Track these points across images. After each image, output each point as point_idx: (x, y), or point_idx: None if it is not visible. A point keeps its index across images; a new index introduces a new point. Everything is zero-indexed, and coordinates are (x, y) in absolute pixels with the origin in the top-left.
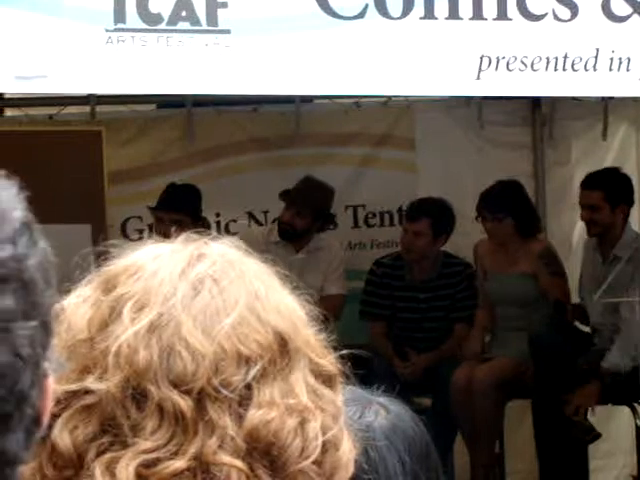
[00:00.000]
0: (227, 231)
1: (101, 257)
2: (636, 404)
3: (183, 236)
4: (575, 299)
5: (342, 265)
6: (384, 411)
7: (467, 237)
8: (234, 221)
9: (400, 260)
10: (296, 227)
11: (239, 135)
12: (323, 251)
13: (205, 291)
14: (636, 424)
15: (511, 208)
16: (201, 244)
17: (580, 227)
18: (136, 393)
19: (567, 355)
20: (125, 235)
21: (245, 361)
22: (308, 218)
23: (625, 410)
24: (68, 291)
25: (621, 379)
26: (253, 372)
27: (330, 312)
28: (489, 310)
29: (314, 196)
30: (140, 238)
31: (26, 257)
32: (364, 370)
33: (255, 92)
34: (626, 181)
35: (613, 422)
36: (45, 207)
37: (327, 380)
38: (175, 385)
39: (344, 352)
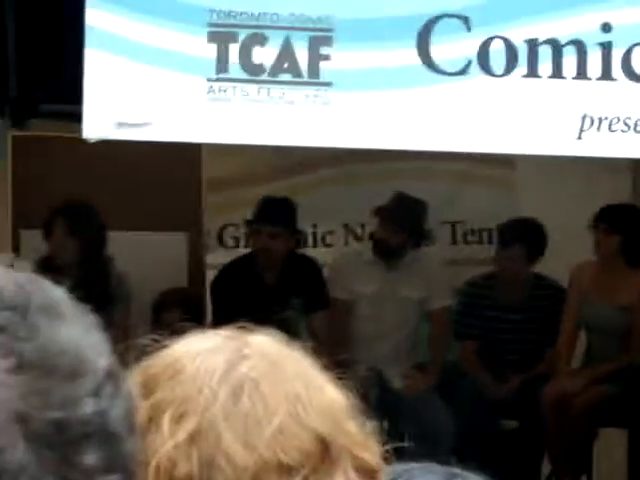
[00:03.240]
0: (324, 243)
1: (140, 351)
2: None
3: (226, 331)
4: None
5: (443, 276)
6: None
7: (563, 257)
8: (330, 233)
9: (492, 280)
10: (391, 244)
11: (336, 148)
12: (419, 264)
13: (245, 397)
14: None
15: (623, 227)
16: (242, 342)
17: None
18: None
19: None
20: (222, 243)
21: (287, 470)
22: (402, 235)
23: None
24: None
25: None
26: None
27: (437, 328)
28: (575, 335)
29: (407, 212)
30: (236, 246)
31: (110, 409)
32: (451, 388)
33: (354, 146)
34: None
35: None
36: (141, 214)
37: (369, 474)
38: None
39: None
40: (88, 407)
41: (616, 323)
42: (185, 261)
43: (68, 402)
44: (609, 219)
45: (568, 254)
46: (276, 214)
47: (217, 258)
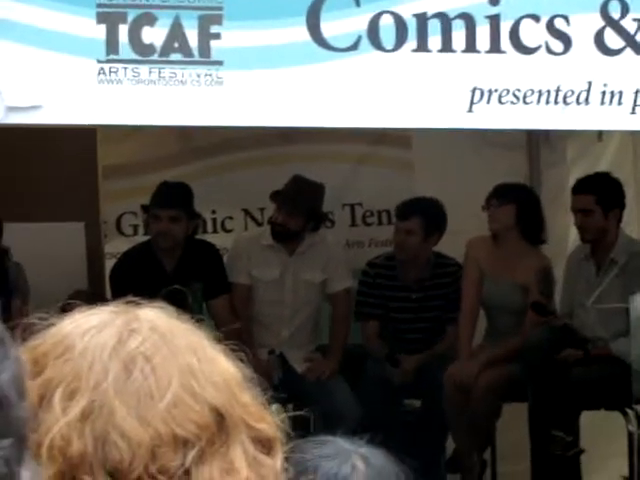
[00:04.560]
0: (223, 228)
1: (27, 331)
2: (628, 409)
3: (112, 306)
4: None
5: (343, 259)
6: (363, 464)
7: (462, 236)
8: (230, 218)
9: (393, 260)
10: (289, 228)
11: (234, 132)
12: (318, 247)
13: (137, 371)
14: (628, 430)
15: (517, 200)
16: (131, 317)
17: (575, 231)
18: None
19: (560, 361)
20: (120, 231)
21: (183, 444)
22: (301, 218)
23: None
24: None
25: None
26: (191, 455)
27: (338, 310)
28: (475, 312)
29: (304, 195)
30: (135, 234)
31: None
32: (356, 372)
33: (248, 124)
34: (617, 185)
35: (607, 426)
36: (38, 205)
37: (266, 445)
38: (112, 475)
39: (284, 415)
40: None
41: (514, 301)
42: (84, 251)
43: None
44: (501, 195)
45: (466, 233)
46: (174, 198)
47: (116, 247)
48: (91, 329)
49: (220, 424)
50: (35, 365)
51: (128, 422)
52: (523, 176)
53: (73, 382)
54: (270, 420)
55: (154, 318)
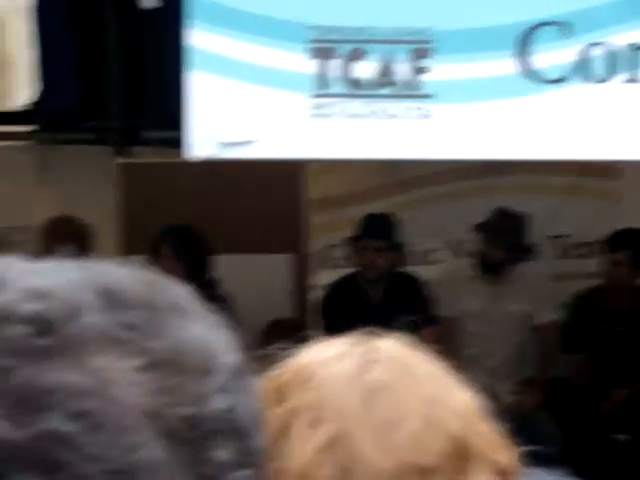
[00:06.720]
0: (428, 260)
1: (267, 359)
2: None
3: (351, 336)
4: None
5: (549, 290)
6: None
7: None
8: (434, 250)
9: (601, 292)
10: (493, 259)
11: (439, 164)
12: (523, 278)
13: (379, 401)
14: None
15: None
16: (370, 347)
17: None
18: None
19: None
20: (325, 263)
21: (425, 473)
22: (505, 250)
23: None
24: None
25: None
26: None
27: (545, 342)
28: None
29: (508, 227)
30: (340, 266)
31: (238, 405)
32: (563, 405)
33: (456, 157)
34: None
35: None
36: (245, 237)
37: (505, 475)
38: None
39: (525, 449)
40: (218, 403)
41: None
42: (288, 282)
43: (198, 398)
44: None
45: None
46: (378, 229)
47: (321, 278)
48: (331, 359)
49: (460, 453)
50: (277, 394)
51: (371, 451)
52: None
53: (315, 411)
54: (509, 450)
55: (393, 348)
